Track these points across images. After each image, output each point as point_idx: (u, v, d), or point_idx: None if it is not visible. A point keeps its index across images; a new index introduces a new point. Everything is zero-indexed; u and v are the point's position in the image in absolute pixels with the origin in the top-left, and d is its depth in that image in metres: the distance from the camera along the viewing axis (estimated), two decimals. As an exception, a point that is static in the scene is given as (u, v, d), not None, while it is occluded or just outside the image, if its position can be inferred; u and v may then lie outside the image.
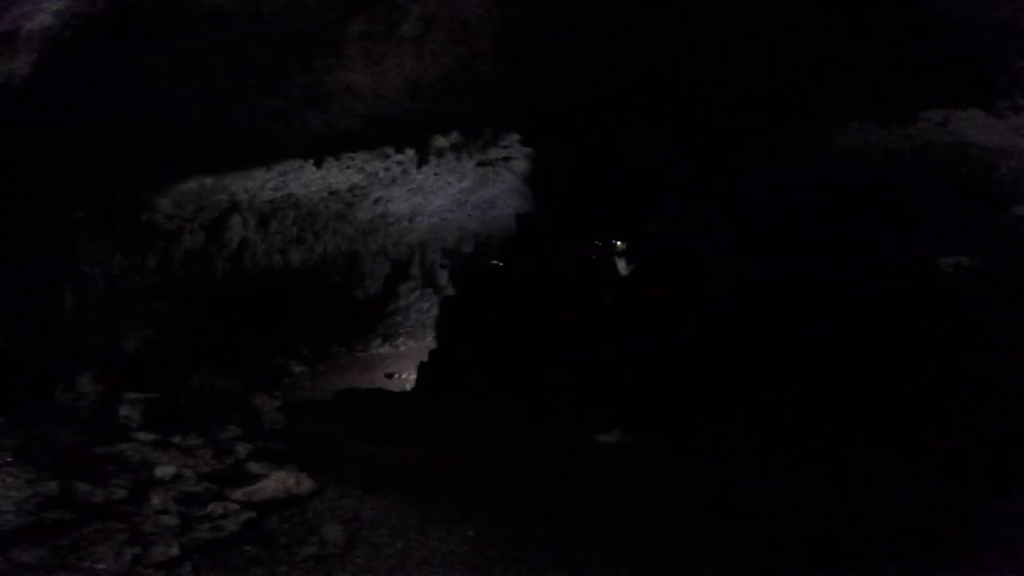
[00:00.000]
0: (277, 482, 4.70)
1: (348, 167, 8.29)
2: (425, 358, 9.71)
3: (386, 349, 11.01)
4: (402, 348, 11.10)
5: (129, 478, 4.62)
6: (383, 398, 8.37)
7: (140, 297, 8.55)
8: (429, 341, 10.97)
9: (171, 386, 7.20)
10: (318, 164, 8.08)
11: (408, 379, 9.52)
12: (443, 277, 13.04)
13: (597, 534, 3.93)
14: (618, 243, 9.02)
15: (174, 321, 8.86)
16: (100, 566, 3.10)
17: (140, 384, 7.02)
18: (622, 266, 8.91)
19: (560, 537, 3.88)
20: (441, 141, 7.56)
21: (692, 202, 7.93)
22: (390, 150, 7.78)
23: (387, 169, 8.56)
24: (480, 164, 8.90)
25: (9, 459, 4.89)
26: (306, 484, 4.70)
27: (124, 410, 6.46)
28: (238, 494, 4.46)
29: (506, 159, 8.63)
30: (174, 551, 3.34)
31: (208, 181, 7.92)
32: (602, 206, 8.99)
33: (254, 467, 5.07)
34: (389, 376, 9.70)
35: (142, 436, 5.69)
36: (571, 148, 7.94)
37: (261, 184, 8.49)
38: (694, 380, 6.29)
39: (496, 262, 11.46)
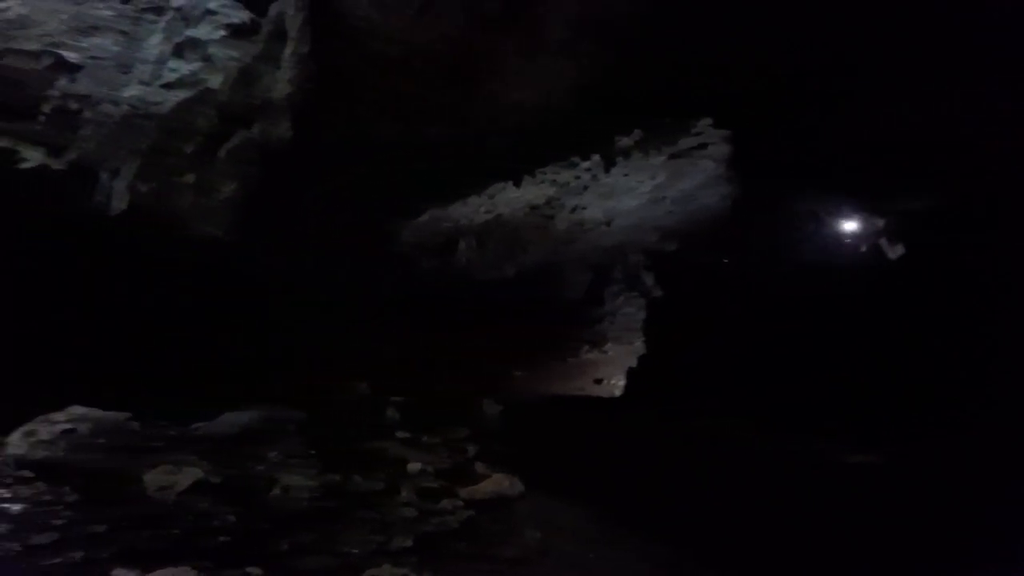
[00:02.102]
0: (494, 484, 5.09)
1: (542, 181, 8.69)
2: (634, 363, 9.52)
3: (594, 355, 11.14)
4: (610, 353, 11.09)
5: (388, 472, 5.47)
6: (592, 404, 8.45)
7: (392, 312, 10.22)
8: (638, 346, 10.73)
9: (420, 390, 8.40)
10: (517, 183, 8.66)
11: (617, 385, 9.46)
12: (648, 279, 12.65)
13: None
14: (878, 222, 7.58)
15: (418, 332, 10.36)
16: (353, 551, 3.74)
17: (398, 388, 8.36)
18: (888, 250, 7.45)
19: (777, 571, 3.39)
20: (624, 141, 7.41)
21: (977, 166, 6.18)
22: (576, 159, 7.92)
23: (577, 177, 8.72)
24: (672, 157, 8.47)
25: (312, 452, 6.26)
26: (517, 487, 4.99)
27: (390, 412, 7.74)
28: (463, 492, 4.94)
29: (701, 147, 8.05)
30: (407, 543, 3.85)
31: (437, 212, 9.18)
32: (842, 181, 7.66)
33: (479, 467, 5.57)
34: (598, 382, 9.77)
35: (400, 435, 6.71)
36: (781, 121, 7.00)
37: (476, 209, 9.50)
38: (971, 387, 4.90)
39: (707, 258, 10.72)
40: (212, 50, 5.37)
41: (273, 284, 8.23)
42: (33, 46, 5.07)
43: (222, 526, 3.86)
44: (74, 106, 5.63)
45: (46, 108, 5.61)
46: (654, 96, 5.76)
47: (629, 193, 10.21)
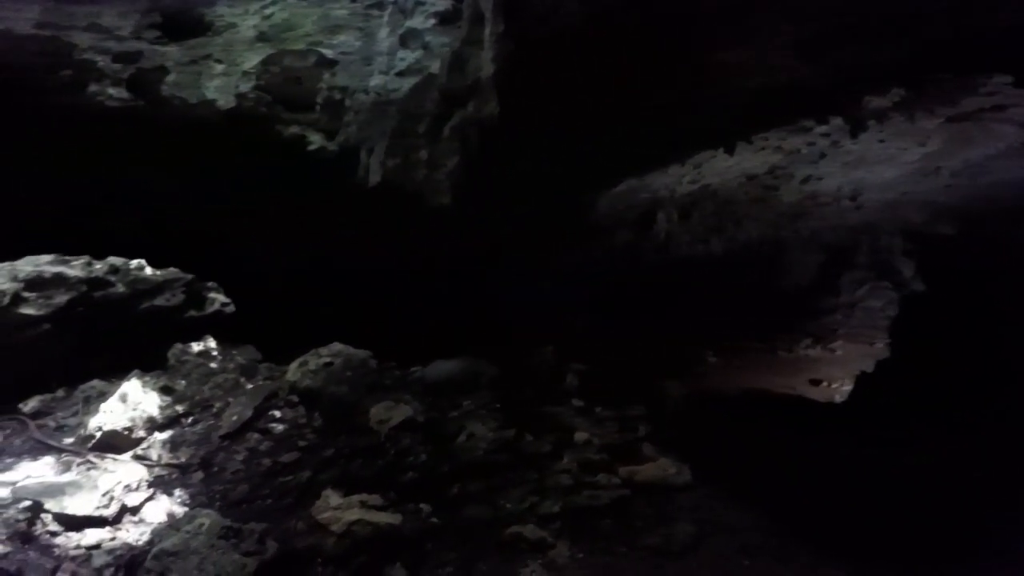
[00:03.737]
0: (658, 468, 4.93)
1: (762, 148, 7.69)
2: (869, 367, 8.09)
3: (816, 351, 9.66)
4: (838, 352, 9.48)
5: (557, 436, 5.77)
6: (801, 406, 7.47)
7: (586, 284, 10.40)
8: (879, 348, 8.99)
9: (602, 361, 8.52)
10: (729, 151, 7.86)
11: (840, 389, 8.12)
12: (907, 268, 10.36)
13: None
14: None
15: (609, 305, 10.37)
16: (508, 506, 4.08)
17: (582, 357, 8.60)
18: None
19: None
20: (877, 101, 6.02)
21: None
22: (809, 122, 6.76)
23: (810, 144, 7.47)
24: (950, 120, 6.60)
25: (497, 406, 6.95)
26: (684, 476, 4.75)
27: (569, 378, 8.07)
28: (623, 471, 4.92)
29: (997, 108, 6.09)
30: (556, 508, 4.04)
31: (634, 182, 8.90)
32: None
33: (646, 448, 5.47)
34: (815, 383, 8.50)
35: (575, 402, 6.95)
36: None
37: (678, 179, 8.91)
38: None
39: (996, 249, 8.40)
40: (428, 38, 6.00)
41: (484, 249, 9.08)
42: (299, 46, 6.31)
43: (414, 462, 4.57)
44: (337, 96, 6.91)
45: (319, 99, 6.98)
46: (916, 48, 4.49)
47: (887, 163, 8.34)
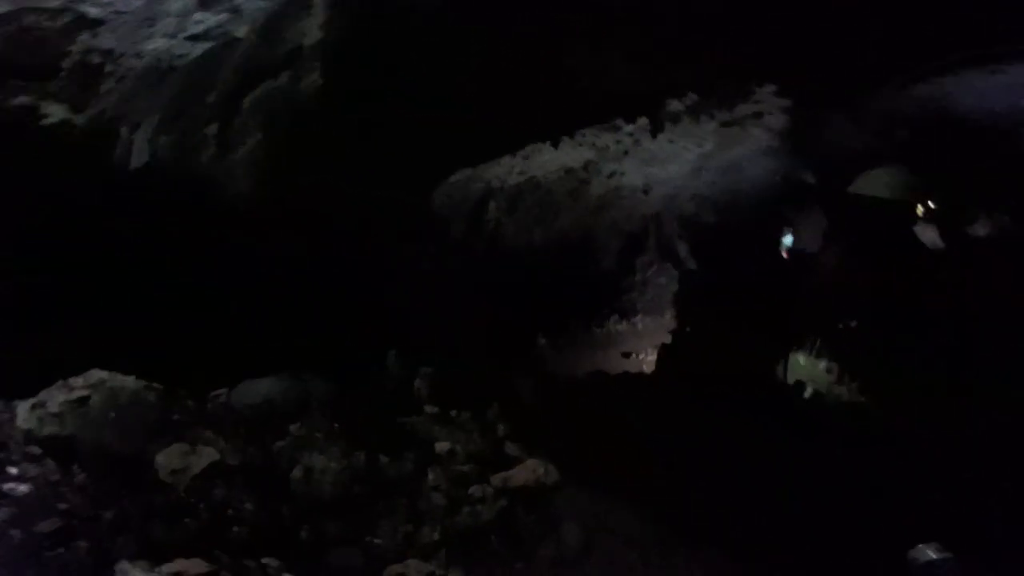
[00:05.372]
0: (528, 470, 4.83)
1: (581, 144, 8.19)
2: (665, 338, 9.22)
3: (623, 326, 10.75)
4: (639, 326, 10.69)
5: (416, 452, 5.20)
6: (622, 381, 8.20)
7: (425, 281, 9.93)
8: (668, 319, 10.36)
9: (449, 361, 8.14)
10: (554, 144, 8.18)
11: (646, 360, 9.15)
12: (682, 249, 12.14)
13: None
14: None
15: (448, 302, 10.06)
16: (377, 541, 3.57)
17: (428, 359, 8.08)
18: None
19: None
20: (675, 105, 6.80)
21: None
22: (620, 121, 7.36)
23: (618, 142, 8.18)
24: (724, 125, 7.82)
25: (337, 426, 6.06)
26: (553, 475, 4.74)
27: (418, 383, 7.47)
28: (496, 479, 4.69)
29: (756, 115, 7.37)
30: (436, 535, 3.66)
31: (469, 172, 8.70)
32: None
33: (510, 448, 5.32)
34: (626, 356, 9.45)
35: (428, 409, 6.39)
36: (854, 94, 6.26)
37: (509, 169, 9.02)
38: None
39: (749, 232, 10.26)
40: (240, 1, 4.97)
41: (299, 242, 7.98)
42: (54, 4, 4.74)
43: (238, 514, 3.68)
44: (96, 60, 5.32)
45: (67, 64, 5.32)
46: (715, 60, 5.14)
47: (673, 160, 9.61)
